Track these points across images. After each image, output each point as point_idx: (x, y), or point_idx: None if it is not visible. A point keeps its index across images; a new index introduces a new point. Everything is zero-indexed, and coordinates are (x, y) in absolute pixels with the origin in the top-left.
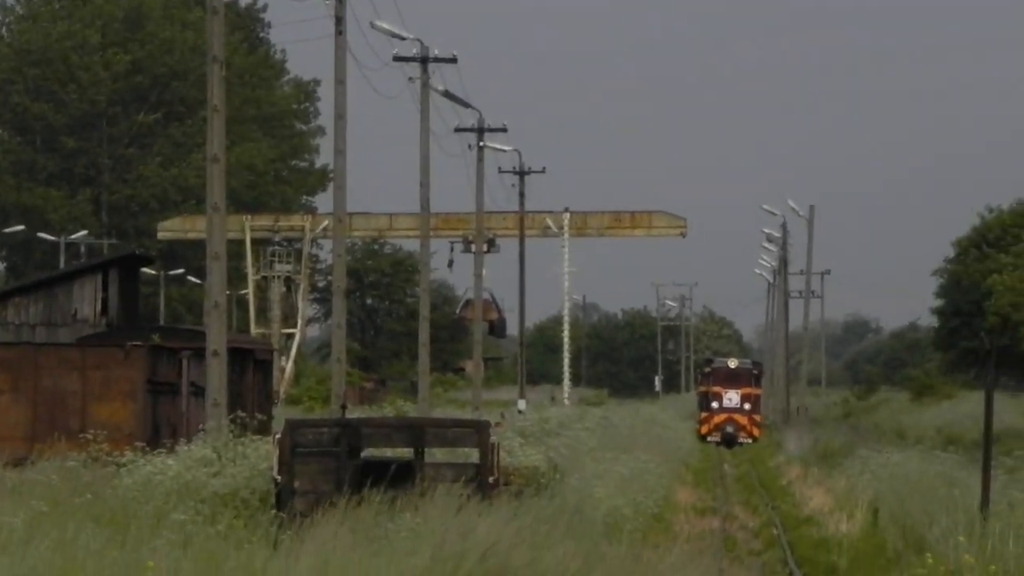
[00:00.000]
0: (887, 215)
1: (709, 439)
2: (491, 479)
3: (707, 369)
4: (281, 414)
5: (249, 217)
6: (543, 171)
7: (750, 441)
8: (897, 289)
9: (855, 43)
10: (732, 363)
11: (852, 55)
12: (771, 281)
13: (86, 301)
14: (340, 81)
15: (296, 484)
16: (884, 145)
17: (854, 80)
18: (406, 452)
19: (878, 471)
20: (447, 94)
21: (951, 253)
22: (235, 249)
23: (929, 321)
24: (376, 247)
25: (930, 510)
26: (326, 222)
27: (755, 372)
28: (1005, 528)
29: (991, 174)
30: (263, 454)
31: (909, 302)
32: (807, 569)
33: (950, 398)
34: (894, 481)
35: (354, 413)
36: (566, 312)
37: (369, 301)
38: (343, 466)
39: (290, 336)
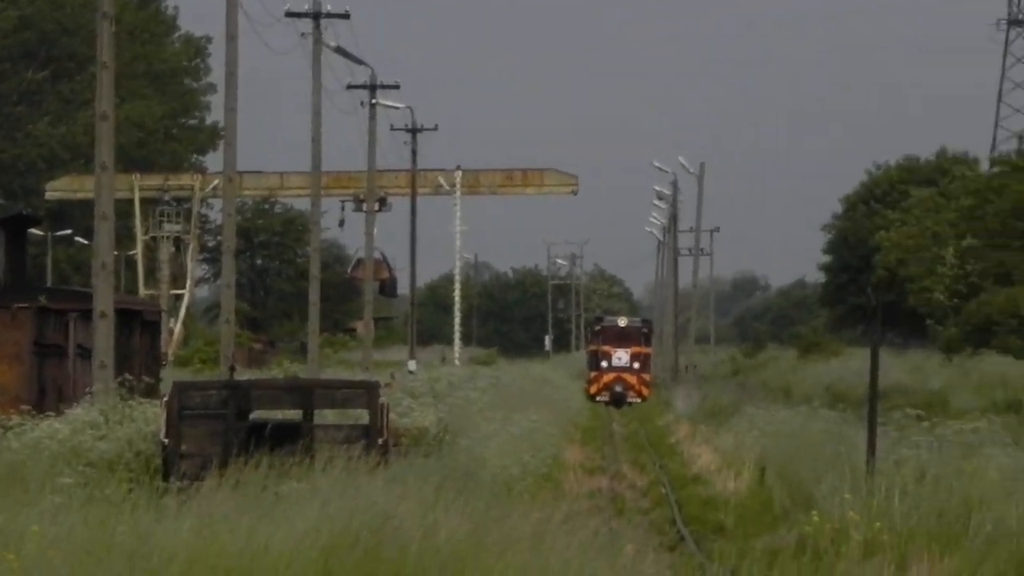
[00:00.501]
0: (775, 173)
1: (598, 399)
2: (381, 440)
3: (596, 328)
4: (169, 376)
5: (138, 176)
6: (435, 129)
7: (639, 401)
8: (785, 247)
9: (749, 6)
10: (622, 322)
11: (748, 19)
12: (661, 239)
13: None
14: (231, 37)
15: (183, 447)
16: (772, 105)
17: (745, 42)
18: (295, 414)
19: (765, 429)
20: (339, 50)
21: (839, 210)
22: (124, 208)
23: (817, 278)
24: (267, 206)
25: (817, 468)
26: (216, 181)
27: (645, 331)
28: (891, 485)
29: (878, 133)
30: (150, 417)
31: (797, 260)
32: (695, 527)
33: (837, 355)
34: (781, 439)
35: (243, 375)
36: (457, 271)
37: (259, 261)
38: (231, 429)
39: (179, 297)
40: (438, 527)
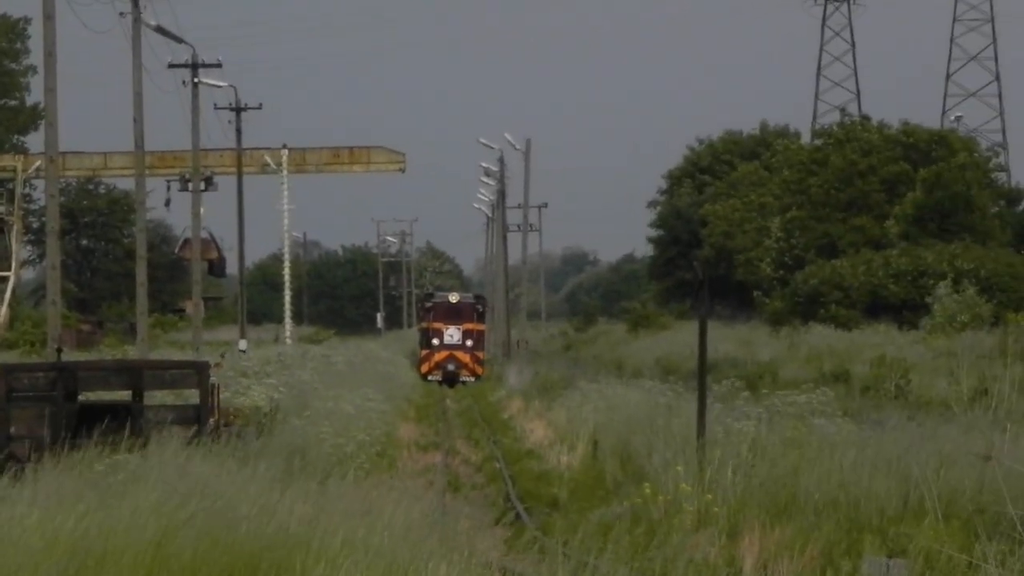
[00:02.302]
0: (602, 149)
1: (430, 378)
2: (211, 420)
3: (428, 304)
4: None
5: None
6: (259, 107)
7: (472, 380)
8: (614, 221)
9: None
10: (453, 298)
11: None
12: (490, 215)
13: None
14: (49, 17)
15: (12, 430)
16: (597, 81)
17: (568, 17)
18: (125, 395)
19: (598, 403)
20: (160, 29)
21: (664, 186)
22: None
23: (646, 252)
24: (91, 187)
25: (649, 440)
26: (39, 162)
27: (478, 307)
28: (722, 457)
29: (703, 110)
30: None
31: (625, 234)
32: (529, 502)
33: (666, 329)
34: (613, 412)
35: (72, 357)
36: (286, 250)
37: (85, 242)
38: (60, 411)
39: (4, 279)
40: (272, 506)
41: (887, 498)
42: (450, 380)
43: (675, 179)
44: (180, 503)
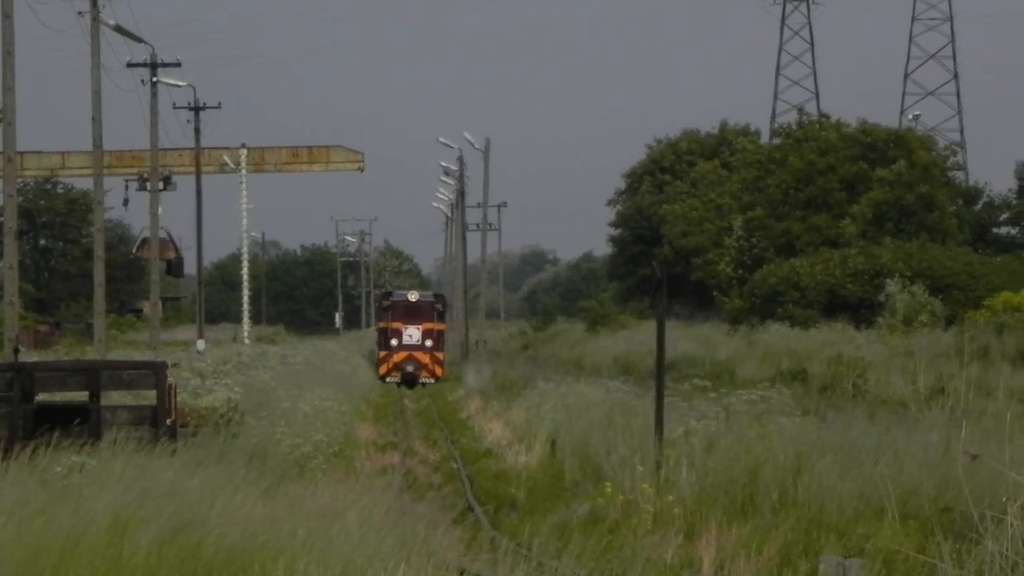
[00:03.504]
0: (561, 148)
1: (388, 380)
2: (169, 421)
3: (385, 303)
4: None
5: None
6: (218, 107)
7: (432, 381)
8: (573, 221)
9: None
10: (412, 296)
11: None
12: (449, 215)
13: None
14: (7, 15)
15: None
16: (556, 80)
17: (528, 17)
18: (82, 396)
19: (557, 402)
20: (118, 28)
21: (623, 185)
22: None
23: (604, 251)
24: (49, 186)
25: (608, 440)
26: None
27: (438, 306)
28: (680, 456)
29: (662, 109)
30: None
31: (584, 234)
32: (486, 502)
33: (625, 328)
34: (572, 412)
35: (30, 357)
36: (245, 249)
37: (43, 242)
38: (16, 411)
39: None
40: (230, 507)
41: (846, 497)
42: (409, 382)
43: (636, 177)
44: (138, 504)
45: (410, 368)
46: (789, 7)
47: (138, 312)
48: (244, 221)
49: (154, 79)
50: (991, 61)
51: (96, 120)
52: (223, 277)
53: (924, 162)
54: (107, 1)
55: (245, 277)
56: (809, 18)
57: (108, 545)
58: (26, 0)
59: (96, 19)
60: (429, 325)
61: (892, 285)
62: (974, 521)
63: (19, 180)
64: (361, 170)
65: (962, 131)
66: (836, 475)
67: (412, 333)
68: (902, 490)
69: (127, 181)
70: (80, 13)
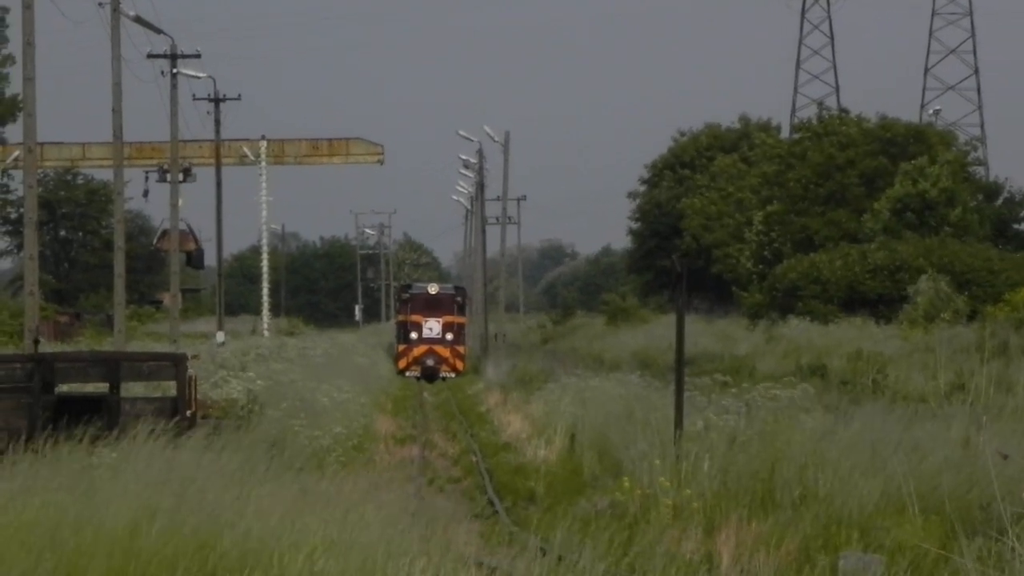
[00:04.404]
0: (581, 142)
1: (408, 374)
2: (189, 412)
3: (405, 296)
4: None
5: None
6: (238, 98)
7: (453, 375)
8: (592, 215)
9: None
10: (432, 289)
11: None
12: (468, 208)
13: None
14: (27, 6)
15: None
16: (577, 74)
17: (549, 11)
18: (103, 387)
19: (576, 396)
20: (138, 19)
21: (645, 176)
22: None
23: (623, 245)
24: (69, 177)
25: (627, 434)
26: (17, 152)
27: (459, 299)
28: (699, 451)
29: (683, 104)
30: None
31: (603, 227)
32: (505, 496)
33: (645, 322)
34: (591, 406)
35: (50, 348)
36: (264, 241)
37: (63, 233)
38: (37, 402)
39: None
40: (249, 499)
41: (866, 493)
42: (429, 376)
43: (658, 170)
44: (156, 495)
45: (430, 362)
46: (809, 1)
47: (158, 303)
48: (264, 213)
49: (174, 70)
50: (1011, 56)
51: (116, 111)
52: (243, 269)
53: (946, 158)
54: None
55: (265, 269)
56: (829, 12)
57: (125, 536)
58: None
59: (116, 10)
60: (450, 318)
61: (924, 281)
62: (995, 518)
63: (39, 171)
64: (381, 163)
65: (982, 126)
66: (857, 471)
67: (432, 326)
68: (923, 486)
69: (147, 172)
70: (100, 4)
